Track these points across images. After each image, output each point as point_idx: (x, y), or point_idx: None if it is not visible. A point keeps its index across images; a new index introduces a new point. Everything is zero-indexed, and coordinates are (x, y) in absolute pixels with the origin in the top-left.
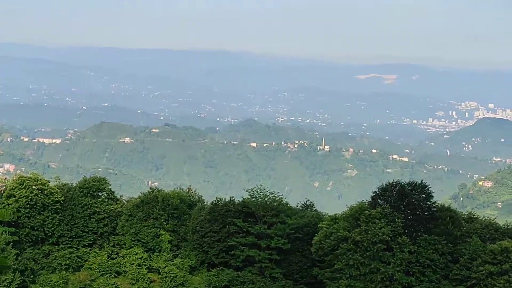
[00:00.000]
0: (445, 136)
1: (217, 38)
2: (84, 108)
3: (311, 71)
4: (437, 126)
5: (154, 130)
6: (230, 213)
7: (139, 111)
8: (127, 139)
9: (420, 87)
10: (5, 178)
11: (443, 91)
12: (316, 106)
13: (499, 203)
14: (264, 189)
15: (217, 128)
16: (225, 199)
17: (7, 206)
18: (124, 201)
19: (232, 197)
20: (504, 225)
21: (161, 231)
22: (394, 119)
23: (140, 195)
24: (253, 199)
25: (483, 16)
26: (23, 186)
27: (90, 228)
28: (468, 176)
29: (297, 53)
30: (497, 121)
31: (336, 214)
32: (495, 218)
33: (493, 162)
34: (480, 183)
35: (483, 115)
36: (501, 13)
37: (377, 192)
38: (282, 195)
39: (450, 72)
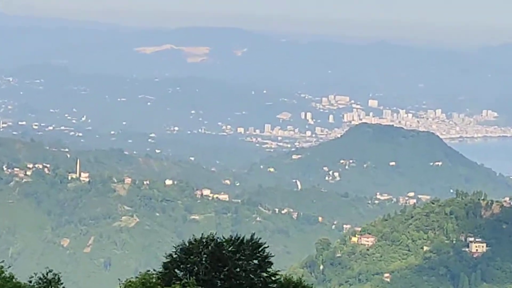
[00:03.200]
0: (294, 157)
1: None
2: None
3: (55, 36)
4: (280, 138)
5: None
6: None
7: None
8: None
9: (248, 69)
10: None
11: (289, 76)
12: (66, 101)
13: (386, 274)
14: None
15: None
16: None
17: None
18: None
19: None
20: None
21: None
22: (204, 125)
23: None
24: None
25: None
26: None
27: None
28: (334, 226)
29: (33, 8)
30: (383, 130)
31: None
32: None
33: (377, 201)
34: (354, 239)
35: (360, 119)
36: None
37: (174, 255)
38: (3, 261)
39: (304, 42)
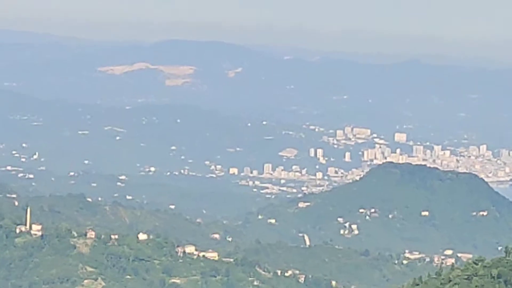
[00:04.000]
0: (301, 205)
1: None
2: None
3: (0, 53)
4: (283, 181)
5: None
6: None
7: None
8: None
9: (243, 94)
10: None
11: (295, 104)
12: (13, 134)
13: None
14: None
15: None
16: None
17: None
18: None
19: None
20: None
21: None
22: (188, 164)
23: None
24: None
25: None
26: None
27: None
28: None
29: None
30: (413, 171)
31: None
32: None
33: (405, 261)
34: None
35: (384, 157)
36: None
37: None
38: None
39: (314, 60)
